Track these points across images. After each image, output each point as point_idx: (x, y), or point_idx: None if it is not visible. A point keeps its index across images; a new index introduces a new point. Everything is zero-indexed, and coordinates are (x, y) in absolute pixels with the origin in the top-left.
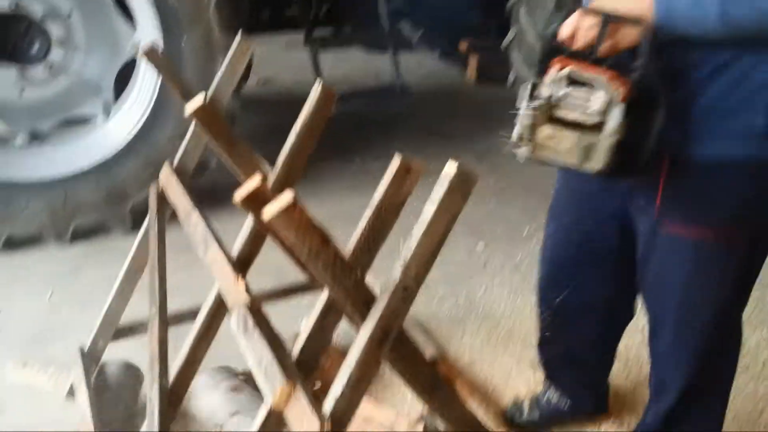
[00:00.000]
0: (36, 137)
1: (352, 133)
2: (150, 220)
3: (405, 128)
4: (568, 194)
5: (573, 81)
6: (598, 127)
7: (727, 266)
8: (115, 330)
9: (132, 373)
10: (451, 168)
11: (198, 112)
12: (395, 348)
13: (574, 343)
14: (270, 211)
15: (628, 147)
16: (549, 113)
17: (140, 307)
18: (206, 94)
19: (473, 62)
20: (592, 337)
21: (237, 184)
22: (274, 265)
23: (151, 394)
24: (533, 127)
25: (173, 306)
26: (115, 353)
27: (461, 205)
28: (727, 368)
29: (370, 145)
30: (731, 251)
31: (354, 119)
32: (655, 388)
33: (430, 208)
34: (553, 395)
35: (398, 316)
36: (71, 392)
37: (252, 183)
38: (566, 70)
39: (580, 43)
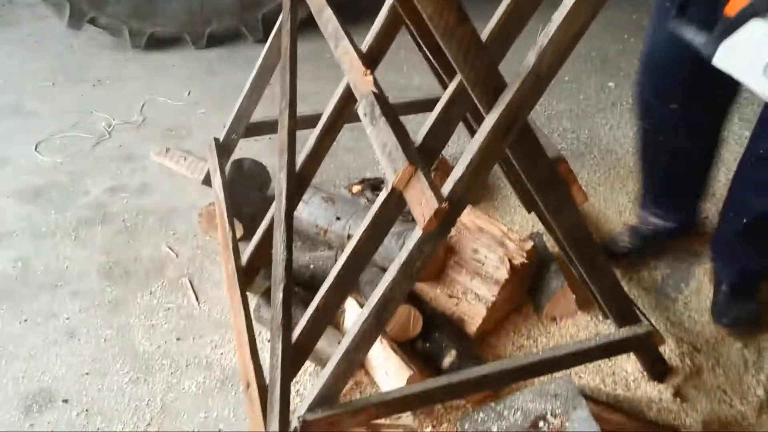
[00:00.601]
0: None
1: None
2: (282, 20)
3: None
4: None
5: None
6: None
7: None
8: (247, 126)
9: (260, 167)
10: None
11: None
12: (518, 140)
13: (679, 162)
14: None
15: None
16: None
17: (269, 111)
18: None
19: None
20: (696, 158)
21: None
22: (398, 84)
23: (280, 177)
24: None
25: (300, 111)
26: (246, 152)
27: None
28: None
29: None
30: None
31: None
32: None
33: None
34: (652, 222)
35: (526, 105)
36: (207, 179)
37: None
38: None
39: None
